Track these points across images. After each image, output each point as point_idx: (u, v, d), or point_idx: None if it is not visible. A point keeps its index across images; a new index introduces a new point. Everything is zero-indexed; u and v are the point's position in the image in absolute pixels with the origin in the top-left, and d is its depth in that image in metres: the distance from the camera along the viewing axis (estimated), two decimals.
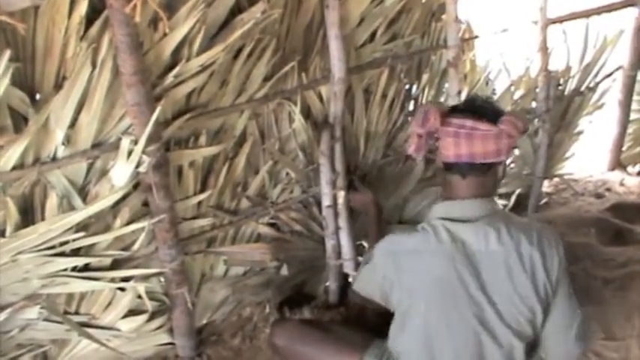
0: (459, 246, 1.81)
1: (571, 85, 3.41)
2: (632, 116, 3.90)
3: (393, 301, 1.94)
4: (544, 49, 3.13)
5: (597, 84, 3.53)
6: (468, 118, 1.83)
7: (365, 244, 2.91)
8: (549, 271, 1.85)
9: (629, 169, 4.06)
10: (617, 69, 3.67)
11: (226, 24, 2.04)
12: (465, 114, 1.85)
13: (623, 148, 4.02)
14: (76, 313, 2.21)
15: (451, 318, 1.83)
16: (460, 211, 1.85)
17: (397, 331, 1.95)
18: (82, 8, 1.69)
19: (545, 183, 3.67)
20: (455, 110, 1.89)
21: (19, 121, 1.80)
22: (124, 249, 2.15)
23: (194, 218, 2.33)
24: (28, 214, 1.94)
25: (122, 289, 2.21)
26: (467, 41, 3.03)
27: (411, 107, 2.86)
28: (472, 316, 1.83)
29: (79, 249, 2.05)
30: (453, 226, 1.83)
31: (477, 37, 3.05)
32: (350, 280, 2.74)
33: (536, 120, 3.26)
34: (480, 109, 1.86)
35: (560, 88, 3.34)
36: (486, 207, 1.85)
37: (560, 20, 3.18)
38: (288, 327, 2.32)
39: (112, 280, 2.15)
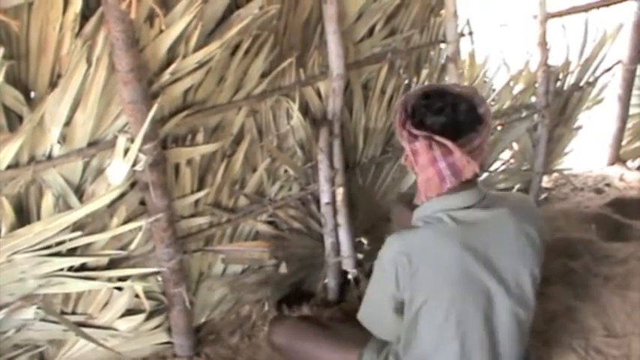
0: (465, 233, 1.79)
1: (570, 80, 3.39)
2: (632, 111, 3.87)
3: (407, 304, 1.88)
4: (543, 44, 3.11)
5: (597, 78, 3.50)
6: (447, 145, 1.69)
7: (364, 241, 2.89)
8: (540, 237, 1.90)
9: (629, 163, 4.04)
10: (617, 63, 3.64)
11: (223, 20, 2.03)
12: (442, 135, 1.70)
13: (623, 143, 4.00)
14: (73, 313, 2.21)
15: (469, 304, 1.82)
16: (460, 202, 1.82)
17: (410, 332, 1.91)
18: (77, 5, 1.67)
19: (545, 178, 3.66)
20: (426, 125, 1.73)
21: (14, 120, 1.79)
22: (121, 248, 2.15)
23: (192, 216, 2.31)
24: (24, 214, 1.93)
25: (119, 289, 2.20)
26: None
27: None
28: (484, 300, 1.83)
29: (75, 248, 2.04)
30: (456, 214, 1.80)
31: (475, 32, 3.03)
32: (349, 277, 2.73)
33: (536, 115, 3.25)
34: (459, 126, 1.72)
35: (559, 82, 3.32)
36: (480, 190, 1.84)
37: (560, 14, 3.16)
38: (286, 324, 2.31)
39: (109, 279, 2.15)
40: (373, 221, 2.87)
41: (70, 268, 2.06)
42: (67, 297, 2.16)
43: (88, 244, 2.06)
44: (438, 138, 1.70)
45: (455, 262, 1.77)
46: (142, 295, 2.22)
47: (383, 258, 1.85)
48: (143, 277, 2.23)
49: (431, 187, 1.77)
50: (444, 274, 1.79)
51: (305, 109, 2.45)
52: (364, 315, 2.02)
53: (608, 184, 3.81)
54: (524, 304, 1.88)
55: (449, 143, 1.68)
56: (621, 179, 3.85)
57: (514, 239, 1.85)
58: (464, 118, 1.73)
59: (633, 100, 3.84)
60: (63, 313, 2.18)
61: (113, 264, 2.16)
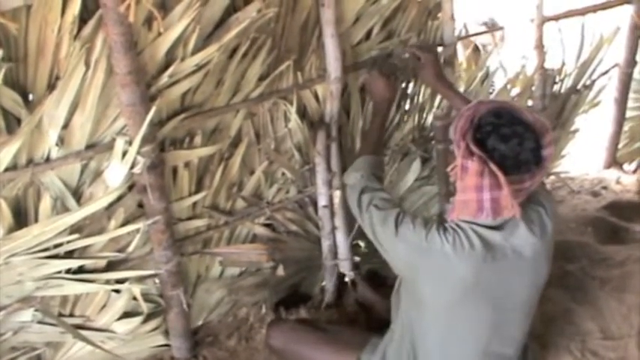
0: (489, 252, 1.75)
1: (567, 83, 3.40)
2: (629, 114, 3.88)
3: (410, 282, 1.91)
4: (540, 47, 3.12)
5: (593, 82, 3.51)
6: (499, 178, 1.62)
7: (361, 243, 2.89)
8: (552, 235, 1.90)
9: (626, 167, 4.05)
10: (613, 67, 3.66)
11: (221, 23, 2.03)
12: (498, 165, 1.63)
13: (620, 146, 4.01)
14: (71, 315, 2.21)
15: (473, 315, 1.83)
16: (488, 221, 1.77)
17: (418, 316, 1.93)
18: (75, 7, 1.67)
19: None
20: (485, 146, 1.66)
21: (12, 122, 1.79)
22: (119, 251, 2.14)
23: (189, 219, 2.31)
24: (22, 216, 1.93)
25: (117, 291, 2.20)
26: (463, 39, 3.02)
27: (407, 106, 2.85)
28: (489, 321, 1.85)
29: (73, 251, 2.04)
30: (482, 232, 1.76)
31: (473, 35, 3.04)
32: (346, 279, 2.73)
33: None
34: (518, 162, 1.65)
35: (556, 86, 3.33)
36: None
37: (557, 18, 3.17)
38: (284, 328, 2.32)
39: (107, 282, 2.15)
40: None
41: (68, 271, 2.06)
42: (64, 299, 2.16)
43: (86, 247, 2.06)
44: (492, 166, 1.62)
45: (470, 278, 1.76)
46: (139, 297, 2.22)
47: (403, 238, 1.82)
48: (141, 280, 2.23)
49: (466, 211, 1.71)
50: (456, 286, 1.78)
51: (302, 112, 2.45)
52: (362, 223, 2.01)
53: (604, 187, 3.82)
54: (527, 315, 1.91)
55: (501, 178, 1.61)
56: (618, 182, 3.86)
57: (535, 267, 1.84)
58: (526, 155, 1.65)
59: (630, 104, 3.85)
60: (60, 315, 2.18)
61: (111, 266, 2.16)
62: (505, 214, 1.68)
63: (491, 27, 3.80)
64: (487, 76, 3.13)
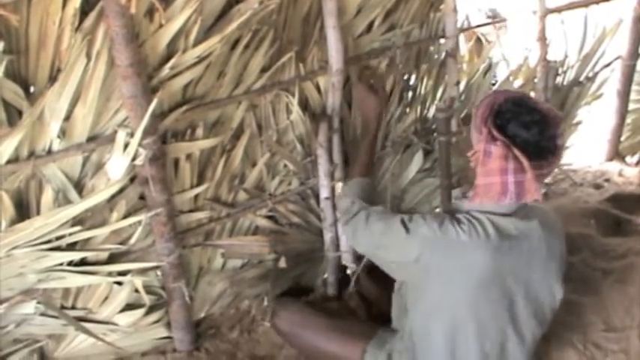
0: (505, 240, 1.78)
1: (570, 75, 3.40)
2: (631, 106, 3.88)
3: (419, 288, 1.90)
4: (543, 39, 3.11)
5: (596, 74, 3.51)
6: (522, 162, 1.66)
7: None
8: (564, 255, 1.94)
9: (628, 159, 4.04)
10: (616, 59, 3.65)
11: (223, 15, 2.02)
12: (521, 151, 1.67)
13: (622, 139, 4.00)
14: (73, 307, 2.21)
15: (483, 313, 1.83)
16: (504, 208, 1.81)
17: (423, 325, 1.93)
18: None
19: None
20: (506, 133, 1.70)
21: (14, 115, 1.78)
22: (121, 243, 2.14)
23: (191, 211, 2.31)
24: (24, 209, 1.93)
25: (119, 283, 2.20)
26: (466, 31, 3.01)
27: (409, 98, 2.84)
28: (504, 309, 1.84)
29: (75, 243, 2.04)
30: (497, 220, 1.79)
31: (476, 26, 3.03)
32: (348, 272, 2.72)
33: None
34: (538, 149, 1.70)
35: (558, 78, 3.32)
36: None
37: (559, 10, 3.16)
38: (291, 310, 2.31)
39: (109, 274, 2.15)
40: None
41: (70, 263, 2.06)
42: (66, 291, 2.16)
43: (88, 239, 2.06)
44: (516, 151, 1.66)
45: (486, 268, 1.77)
46: (141, 289, 2.23)
47: (415, 233, 1.82)
48: (143, 272, 2.24)
49: (489, 195, 1.73)
50: (472, 276, 1.79)
51: (304, 104, 2.45)
52: (362, 242, 2.01)
53: (607, 180, 3.81)
54: (540, 318, 1.91)
55: (525, 162, 1.65)
56: (620, 174, 3.86)
57: (542, 253, 1.86)
58: (545, 143, 1.70)
59: (632, 96, 3.84)
60: (63, 307, 2.19)
61: (113, 258, 2.16)
62: (528, 198, 1.71)
63: (494, 18, 3.79)
64: (490, 67, 3.12)
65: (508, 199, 1.71)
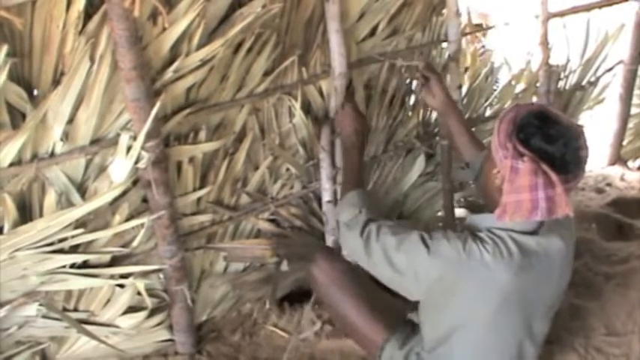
0: (526, 259, 1.75)
1: (572, 80, 3.40)
2: (633, 111, 3.88)
3: (440, 309, 1.86)
4: (545, 43, 3.11)
5: (598, 78, 3.51)
6: (551, 177, 1.61)
7: None
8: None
9: (630, 163, 4.04)
10: (618, 63, 3.65)
11: (226, 18, 2.03)
12: (548, 165, 1.63)
13: (624, 143, 4.00)
14: (75, 310, 2.21)
15: (503, 330, 1.83)
16: (526, 226, 1.78)
17: (440, 342, 1.91)
18: (80, 2, 1.68)
19: None
20: (531, 147, 1.65)
21: (17, 117, 1.79)
22: (123, 245, 2.15)
23: (194, 214, 2.32)
24: (27, 211, 1.93)
25: (121, 286, 2.20)
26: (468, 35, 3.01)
27: (411, 102, 2.85)
28: (522, 323, 1.84)
29: (77, 246, 2.04)
30: (520, 238, 1.76)
31: (477, 30, 3.03)
32: None
33: None
34: (564, 163, 1.65)
35: (560, 82, 3.32)
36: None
37: (561, 14, 3.16)
38: (333, 266, 2.26)
39: (111, 276, 2.15)
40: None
41: (73, 265, 2.06)
42: (69, 294, 2.16)
43: (91, 242, 2.06)
44: (545, 166, 1.62)
45: (509, 287, 1.75)
46: (143, 292, 2.22)
47: (438, 254, 1.77)
48: (145, 275, 2.23)
49: (520, 212, 1.67)
50: (495, 296, 1.77)
51: (307, 108, 2.45)
52: (375, 258, 1.91)
53: (608, 184, 3.81)
54: (549, 320, 1.94)
55: (554, 176, 1.60)
56: (622, 179, 3.85)
57: (561, 265, 1.85)
58: (570, 157, 1.65)
59: (634, 100, 3.84)
60: (65, 310, 2.18)
61: (115, 261, 2.16)
62: (559, 213, 1.65)
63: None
64: (492, 72, 3.13)
65: (540, 215, 1.65)
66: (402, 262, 1.84)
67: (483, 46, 3.07)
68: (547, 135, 1.65)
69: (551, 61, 3.17)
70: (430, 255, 1.77)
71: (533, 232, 1.78)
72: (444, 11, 2.71)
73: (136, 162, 1.95)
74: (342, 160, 2.43)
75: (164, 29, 1.87)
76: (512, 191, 1.66)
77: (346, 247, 2.01)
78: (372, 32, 2.51)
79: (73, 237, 1.99)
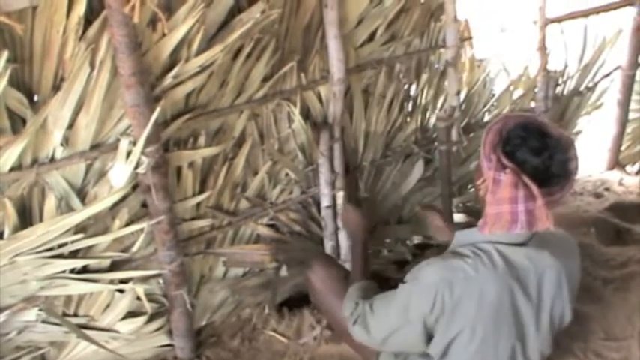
0: (513, 270, 1.75)
1: (570, 85, 3.41)
2: (631, 116, 3.88)
3: (436, 333, 1.83)
4: (543, 49, 3.12)
5: (596, 84, 3.52)
6: (532, 190, 1.61)
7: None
8: (578, 279, 1.92)
9: (628, 168, 4.04)
10: (616, 69, 3.66)
11: (225, 24, 2.04)
12: (531, 178, 1.62)
13: (622, 148, 4.00)
14: (75, 314, 2.21)
15: (498, 344, 1.82)
16: (511, 238, 1.77)
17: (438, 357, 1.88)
18: (81, 8, 1.69)
19: None
20: (515, 159, 1.65)
21: (17, 123, 1.80)
22: (123, 250, 2.15)
23: (193, 219, 2.32)
24: (27, 216, 1.94)
25: (121, 291, 2.20)
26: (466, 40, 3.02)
27: (410, 107, 2.86)
28: (515, 338, 1.83)
29: (77, 250, 2.05)
30: (505, 250, 1.76)
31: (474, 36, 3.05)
32: None
33: None
34: (549, 175, 1.64)
35: (558, 87, 3.33)
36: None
37: (559, 20, 3.17)
38: (330, 274, 2.26)
39: (111, 281, 2.16)
40: (373, 224, 2.87)
41: (72, 270, 2.06)
42: (68, 299, 2.16)
43: (90, 247, 2.07)
44: (526, 179, 1.61)
45: (496, 299, 1.74)
46: (143, 297, 2.23)
47: (423, 280, 1.77)
48: (145, 280, 2.24)
49: (499, 224, 1.67)
50: (484, 310, 1.75)
51: (306, 113, 2.46)
52: (375, 330, 1.91)
53: (607, 189, 3.81)
54: (547, 344, 1.90)
55: (535, 190, 1.60)
56: (620, 184, 3.86)
57: (554, 281, 1.82)
58: (556, 169, 1.65)
59: (632, 105, 3.85)
60: (65, 314, 2.19)
61: (115, 266, 2.17)
62: (539, 226, 1.65)
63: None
64: (490, 77, 3.13)
65: (519, 228, 1.65)
66: (395, 314, 1.84)
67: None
68: (532, 147, 1.64)
69: (549, 67, 3.18)
70: (416, 286, 1.79)
71: (522, 244, 1.77)
72: (442, 17, 2.72)
73: (136, 167, 1.96)
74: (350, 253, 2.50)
75: (164, 35, 1.88)
76: (493, 203, 1.66)
77: (355, 338, 2.02)
78: (371, 38, 2.53)
79: (72, 242, 2.00)
